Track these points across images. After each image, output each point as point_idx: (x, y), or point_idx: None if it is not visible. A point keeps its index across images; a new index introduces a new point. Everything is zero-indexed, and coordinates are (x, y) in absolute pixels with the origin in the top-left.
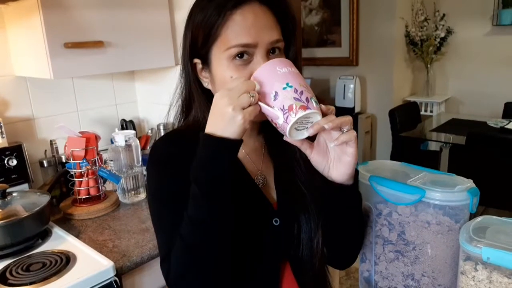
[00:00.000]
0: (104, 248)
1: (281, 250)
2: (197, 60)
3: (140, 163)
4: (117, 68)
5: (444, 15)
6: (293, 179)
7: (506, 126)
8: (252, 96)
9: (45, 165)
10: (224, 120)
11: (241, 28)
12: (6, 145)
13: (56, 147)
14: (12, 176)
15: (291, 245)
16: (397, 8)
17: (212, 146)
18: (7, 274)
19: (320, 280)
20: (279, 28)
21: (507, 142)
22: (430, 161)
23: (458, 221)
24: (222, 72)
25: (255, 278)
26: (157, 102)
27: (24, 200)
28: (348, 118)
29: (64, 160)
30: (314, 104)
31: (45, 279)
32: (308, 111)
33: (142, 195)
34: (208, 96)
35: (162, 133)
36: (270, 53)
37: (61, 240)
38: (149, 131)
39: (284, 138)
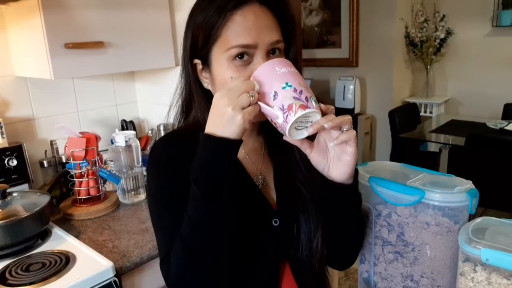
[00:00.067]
0: (104, 249)
1: (281, 250)
2: (197, 61)
3: (140, 163)
4: (118, 68)
5: (444, 16)
6: (293, 179)
7: (505, 128)
8: (252, 96)
9: (45, 165)
10: (223, 120)
11: (241, 29)
12: (6, 145)
13: (56, 148)
14: (12, 176)
15: (291, 246)
16: (397, 9)
17: (212, 146)
18: (7, 274)
19: (320, 281)
20: (279, 29)
21: (506, 144)
22: (429, 162)
23: (457, 222)
24: (222, 72)
25: (254, 278)
26: (157, 103)
27: (24, 200)
28: (348, 118)
29: (64, 161)
30: (314, 103)
31: (45, 279)
32: (307, 110)
33: (142, 196)
34: (208, 97)
35: (162, 134)
36: (270, 54)
37: (61, 240)
38: (149, 132)
39: (284, 137)
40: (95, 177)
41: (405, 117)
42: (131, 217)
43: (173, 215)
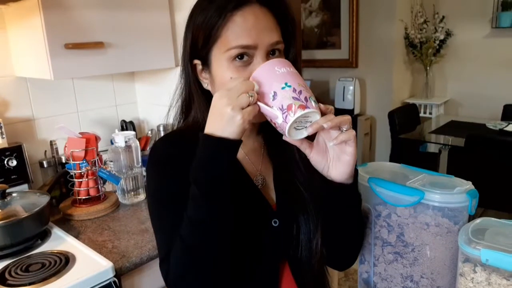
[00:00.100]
0: (103, 249)
1: (280, 250)
2: (197, 61)
3: (140, 164)
4: (117, 69)
5: (443, 17)
6: (292, 179)
7: (505, 128)
8: (251, 96)
9: (45, 165)
10: (223, 120)
11: (241, 29)
12: (6, 145)
13: (56, 148)
14: (12, 177)
15: (290, 246)
16: (397, 10)
17: (211, 146)
18: (6, 275)
19: (319, 281)
20: (279, 30)
21: (506, 144)
22: (429, 163)
23: (457, 223)
24: (222, 73)
25: (254, 278)
26: (157, 103)
27: (24, 200)
28: (347, 117)
29: (64, 161)
30: (313, 103)
31: (45, 279)
32: (307, 110)
33: (142, 196)
34: (207, 97)
35: (162, 134)
36: (270, 54)
37: (60, 241)
38: (149, 132)
39: (284, 137)
40: (94, 178)
41: (405, 118)
42: (130, 217)
43: (173, 215)
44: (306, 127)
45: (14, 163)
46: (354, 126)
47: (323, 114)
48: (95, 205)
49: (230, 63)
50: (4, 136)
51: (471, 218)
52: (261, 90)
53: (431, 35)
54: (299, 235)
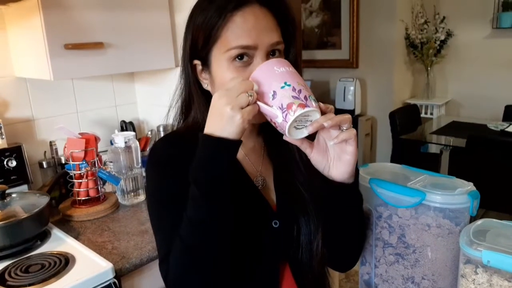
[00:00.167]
0: (103, 250)
1: (280, 252)
2: (197, 61)
3: (140, 164)
4: (117, 69)
5: (444, 17)
6: (293, 180)
7: (506, 129)
8: (250, 96)
9: (45, 166)
10: (223, 120)
11: (241, 30)
12: (5, 146)
13: (56, 148)
14: (12, 177)
15: (291, 247)
16: (397, 11)
17: (211, 146)
18: (6, 276)
19: (320, 282)
20: (279, 30)
21: (507, 145)
22: (430, 163)
23: (459, 224)
24: (222, 73)
25: (254, 279)
26: (157, 104)
27: (23, 201)
28: (348, 116)
29: (63, 161)
30: (313, 102)
31: (44, 280)
32: (307, 109)
33: (142, 197)
34: (207, 98)
35: (162, 135)
36: (270, 55)
37: (60, 242)
38: (149, 133)
39: (284, 137)
40: (94, 178)
41: (406, 119)
42: (130, 218)
43: (173, 216)
44: (306, 126)
45: (13, 163)
46: (355, 126)
47: (323, 113)
48: (95, 206)
49: (230, 64)
50: (3, 136)
51: (472, 219)
52: (261, 90)
53: (431, 36)
54: (300, 236)
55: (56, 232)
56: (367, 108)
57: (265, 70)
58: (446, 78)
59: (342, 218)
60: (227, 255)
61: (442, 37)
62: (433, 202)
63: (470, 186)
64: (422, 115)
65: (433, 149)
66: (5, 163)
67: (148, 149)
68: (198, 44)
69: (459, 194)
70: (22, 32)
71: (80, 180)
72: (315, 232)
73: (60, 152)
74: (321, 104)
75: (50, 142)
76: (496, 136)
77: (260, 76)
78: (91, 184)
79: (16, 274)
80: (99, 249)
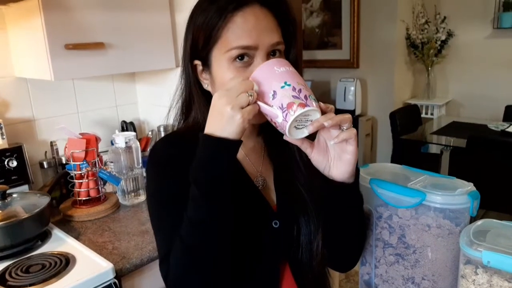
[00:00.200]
0: (103, 250)
1: (280, 252)
2: (197, 62)
3: (140, 165)
4: (118, 69)
5: (445, 18)
6: (293, 181)
7: (506, 129)
8: (251, 95)
9: (45, 166)
10: (223, 120)
11: (242, 30)
12: (6, 146)
13: (56, 149)
14: (12, 177)
15: (291, 247)
16: (398, 11)
17: (211, 146)
18: (7, 276)
19: (320, 282)
20: (279, 30)
21: (507, 145)
22: (430, 164)
23: (459, 225)
24: (222, 73)
25: (254, 279)
26: (158, 104)
27: (24, 201)
28: (348, 116)
29: (64, 162)
30: (313, 101)
31: (45, 280)
32: (307, 108)
33: (142, 197)
34: (208, 98)
35: (163, 135)
36: (271, 55)
37: (60, 242)
38: (150, 133)
39: (284, 137)
40: (95, 179)
41: (406, 119)
42: (131, 218)
43: (173, 216)
44: (306, 126)
45: (14, 164)
46: (355, 126)
47: (323, 112)
48: (96, 206)
49: (231, 64)
50: (4, 136)
51: (472, 219)
52: (261, 90)
53: (432, 36)
54: (300, 237)
55: (57, 232)
56: (367, 108)
57: (265, 70)
58: (446, 78)
59: (343, 218)
60: (227, 255)
61: (443, 37)
62: (433, 202)
63: (470, 186)
64: (423, 115)
65: (434, 149)
66: (5, 163)
67: (148, 149)
68: (199, 45)
69: (459, 194)
70: (22, 32)
71: (81, 180)
72: (315, 232)
73: (61, 152)
74: (321, 103)
75: (51, 142)
76: (497, 136)
77: (260, 76)
78: (91, 184)
79: (17, 274)
80: (100, 249)
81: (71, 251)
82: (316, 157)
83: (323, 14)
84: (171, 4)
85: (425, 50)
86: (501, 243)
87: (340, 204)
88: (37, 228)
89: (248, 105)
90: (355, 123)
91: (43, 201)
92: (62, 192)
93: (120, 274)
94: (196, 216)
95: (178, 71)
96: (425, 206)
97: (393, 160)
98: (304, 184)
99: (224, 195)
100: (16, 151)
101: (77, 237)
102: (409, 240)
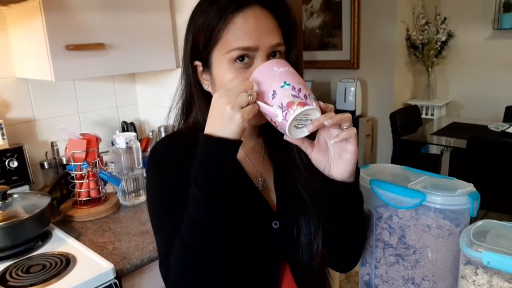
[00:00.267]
0: (104, 250)
1: (280, 252)
2: (197, 63)
3: (141, 165)
4: (118, 70)
5: (445, 18)
6: (293, 181)
7: (507, 130)
8: (250, 95)
9: (46, 166)
10: (223, 120)
11: (242, 31)
12: (7, 146)
13: (57, 149)
14: (13, 178)
15: (291, 248)
16: (398, 12)
17: (211, 146)
18: (7, 276)
19: (320, 283)
20: (280, 31)
21: (508, 146)
22: (430, 164)
23: (459, 225)
24: (222, 74)
25: (254, 279)
26: (158, 105)
27: (25, 201)
28: (348, 115)
29: (64, 162)
30: (313, 101)
31: (45, 281)
32: (307, 107)
33: (143, 197)
34: (208, 99)
35: (163, 136)
36: (271, 56)
37: (61, 242)
38: (150, 133)
39: (284, 137)
40: (95, 179)
41: (407, 120)
42: (131, 219)
43: (173, 216)
44: (306, 125)
45: (15, 164)
46: (356, 127)
47: (323, 112)
48: (96, 206)
49: (231, 65)
50: (5, 137)
51: (472, 220)
52: (261, 90)
53: (432, 37)
54: (300, 237)
55: (57, 233)
56: (367, 109)
57: (265, 70)
58: (447, 79)
59: (343, 217)
60: (227, 255)
61: (443, 38)
62: (433, 203)
63: (470, 187)
64: (423, 116)
65: (434, 150)
66: (6, 163)
67: (149, 150)
68: (199, 46)
69: (459, 195)
70: (23, 33)
71: (81, 181)
72: (315, 233)
73: (62, 152)
74: (321, 103)
75: (52, 142)
76: (497, 137)
77: (260, 77)
78: (92, 185)
79: (17, 275)
80: (100, 250)
81: (71, 252)
82: (316, 157)
83: (323, 15)
84: (171, 5)
85: (425, 51)
86: (501, 243)
87: (340, 203)
88: (37, 229)
89: (248, 104)
90: (355, 124)
91: (44, 201)
92: (63, 192)
93: (121, 275)
94: (196, 216)
95: (179, 72)
96: (425, 207)
97: (393, 161)
98: (304, 185)
99: (224, 195)
100: (17, 152)
101: (77, 238)
102: (409, 240)
